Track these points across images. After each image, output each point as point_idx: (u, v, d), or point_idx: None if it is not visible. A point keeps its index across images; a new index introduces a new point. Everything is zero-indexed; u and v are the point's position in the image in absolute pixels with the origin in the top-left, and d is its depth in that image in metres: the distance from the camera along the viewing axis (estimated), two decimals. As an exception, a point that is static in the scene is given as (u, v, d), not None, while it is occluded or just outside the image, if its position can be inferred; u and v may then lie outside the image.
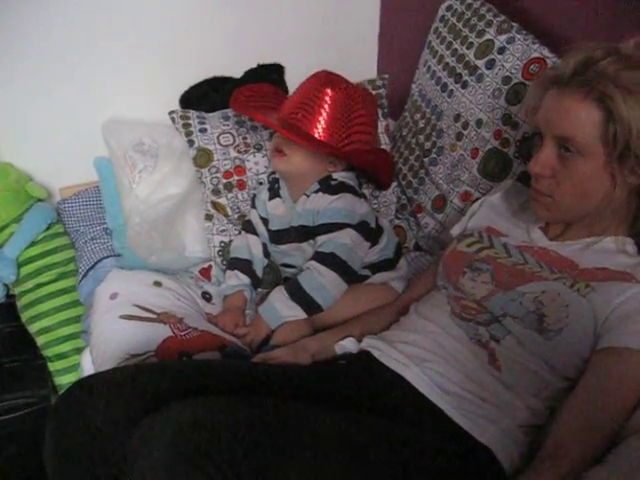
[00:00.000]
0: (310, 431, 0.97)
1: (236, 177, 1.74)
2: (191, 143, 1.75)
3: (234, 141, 1.77)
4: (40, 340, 1.79)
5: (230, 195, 1.73)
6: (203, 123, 1.79)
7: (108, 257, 1.79)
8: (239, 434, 0.89)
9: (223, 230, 1.71)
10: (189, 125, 1.78)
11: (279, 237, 1.63)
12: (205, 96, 2.01)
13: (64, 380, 1.77)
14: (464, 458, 1.07)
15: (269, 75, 2.12)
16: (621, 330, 1.07)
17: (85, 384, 1.09)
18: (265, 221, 1.67)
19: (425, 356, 1.18)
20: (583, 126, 1.12)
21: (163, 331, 1.37)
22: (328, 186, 1.55)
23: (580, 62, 1.12)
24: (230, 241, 1.70)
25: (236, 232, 1.71)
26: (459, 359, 1.16)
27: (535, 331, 1.12)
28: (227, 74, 2.10)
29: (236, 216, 1.73)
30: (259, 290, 1.70)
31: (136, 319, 1.39)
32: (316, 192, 1.55)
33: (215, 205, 1.73)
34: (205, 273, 1.74)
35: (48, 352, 1.78)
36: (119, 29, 1.94)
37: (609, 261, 1.17)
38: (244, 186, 1.75)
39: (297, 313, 1.47)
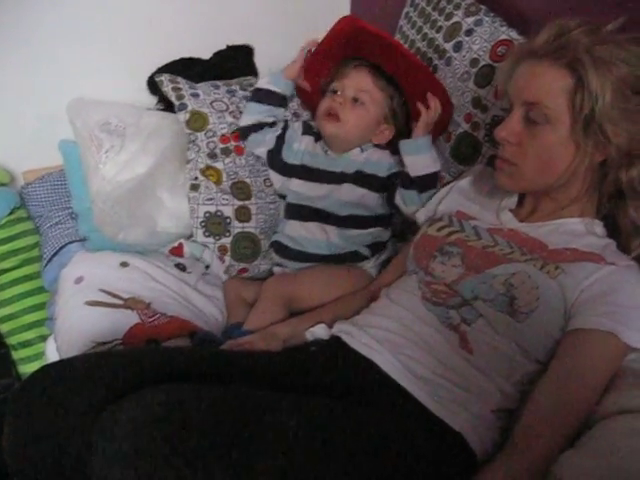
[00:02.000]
0: (281, 421, 0.95)
1: (234, 143, 1.70)
2: (183, 106, 1.69)
3: (228, 107, 1.74)
4: (3, 328, 1.75)
5: (227, 160, 1.69)
6: (194, 88, 1.75)
7: (73, 242, 1.74)
8: (208, 425, 0.88)
9: (210, 199, 1.66)
10: (179, 89, 1.73)
11: (312, 173, 1.63)
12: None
13: (29, 369, 1.73)
14: (436, 444, 1.07)
15: (238, 57, 2.10)
16: (590, 311, 1.08)
17: (47, 372, 1.06)
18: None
19: (396, 341, 1.17)
20: (551, 92, 1.13)
21: (130, 318, 1.35)
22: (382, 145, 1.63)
23: (554, 32, 1.14)
24: (216, 211, 1.66)
25: (224, 201, 1.67)
26: (430, 343, 1.16)
27: (506, 314, 1.12)
28: (195, 55, 2.07)
29: (231, 182, 1.68)
30: (230, 263, 1.68)
31: (102, 305, 1.36)
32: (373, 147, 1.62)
33: (206, 171, 1.68)
34: (176, 251, 1.69)
35: (12, 340, 1.74)
36: (85, 8, 1.90)
37: (578, 242, 1.18)
38: (242, 152, 1.70)
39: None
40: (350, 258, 1.62)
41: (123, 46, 1.98)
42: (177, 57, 2.04)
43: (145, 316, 1.36)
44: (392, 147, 1.64)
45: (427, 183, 1.52)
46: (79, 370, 1.05)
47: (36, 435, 1.00)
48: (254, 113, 1.64)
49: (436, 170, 1.53)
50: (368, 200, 1.62)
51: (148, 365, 1.08)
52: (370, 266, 1.63)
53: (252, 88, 1.71)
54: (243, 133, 1.67)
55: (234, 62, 2.07)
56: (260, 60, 2.10)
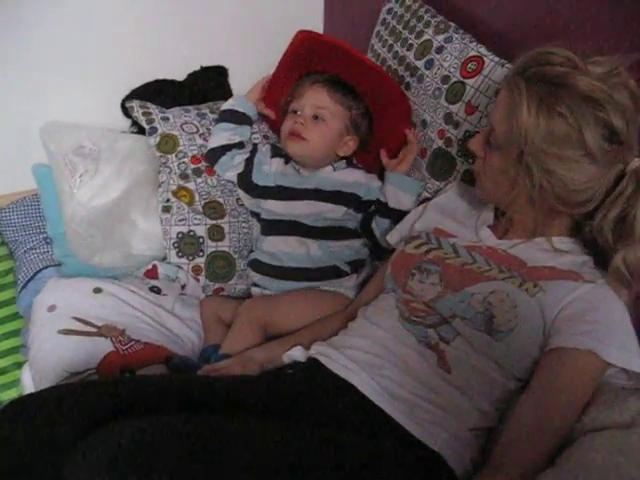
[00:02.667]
0: (255, 450, 0.94)
1: (205, 163, 1.72)
2: (153, 130, 1.72)
3: (198, 130, 1.76)
4: (-22, 355, 1.73)
5: (199, 180, 1.70)
6: (164, 112, 1.78)
7: (48, 267, 1.74)
8: (178, 460, 0.87)
9: (182, 219, 1.66)
10: (150, 113, 1.76)
11: (287, 193, 1.63)
12: (148, 99, 1.96)
13: (5, 396, 1.70)
14: (415, 464, 1.06)
15: (212, 78, 2.10)
16: (569, 330, 1.08)
17: (19, 405, 1.04)
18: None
19: (373, 361, 1.17)
20: (500, 120, 1.16)
21: (104, 346, 1.34)
22: (355, 165, 1.68)
23: (526, 60, 1.14)
24: (189, 231, 1.66)
25: (196, 221, 1.67)
26: (408, 363, 1.15)
27: (484, 332, 1.11)
28: (170, 77, 2.07)
29: (203, 202, 1.68)
30: (205, 283, 1.68)
31: (75, 334, 1.35)
32: (346, 167, 1.65)
33: (178, 192, 1.68)
34: (150, 274, 1.69)
35: (-14, 367, 1.73)
36: (57, 30, 1.89)
37: (556, 260, 1.18)
38: (213, 172, 1.72)
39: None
40: (330, 273, 1.61)
41: (97, 68, 1.97)
42: (151, 79, 2.03)
43: (119, 344, 1.35)
44: (367, 167, 1.68)
45: (402, 216, 1.53)
46: (50, 405, 1.02)
47: (6, 473, 0.99)
48: (221, 132, 1.67)
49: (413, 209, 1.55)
50: (347, 216, 1.63)
51: (121, 397, 1.06)
52: (351, 285, 1.62)
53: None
54: (212, 156, 1.68)
55: (208, 83, 2.07)
56: (234, 81, 2.10)
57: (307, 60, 1.61)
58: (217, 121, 1.71)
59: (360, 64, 1.57)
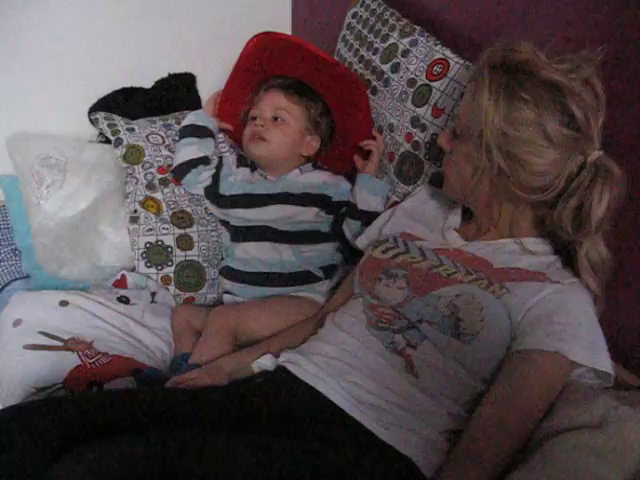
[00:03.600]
0: (222, 467, 0.93)
1: (172, 174, 1.71)
2: (119, 141, 1.71)
3: (164, 141, 1.75)
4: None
5: (166, 190, 1.69)
6: (129, 123, 1.77)
7: (17, 279, 1.71)
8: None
9: (150, 229, 1.65)
10: (115, 125, 1.76)
11: (256, 200, 1.62)
12: (115, 108, 1.95)
13: (-25, 413, 1.69)
14: (386, 470, 1.05)
15: (181, 85, 2.08)
16: (535, 332, 1.08)
17: None
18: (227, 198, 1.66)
19: (342, 368, 1.16)
20: (464, 106, 1.19)
21: (71, 360, 1.32)
22: (321, 167, 1.69)
23: (491, 49, 1.16)
24: (157, 241, 1.65)
25: (164, 231, 1.66)
26: (376, 369, 1.15)
27: (451, 335, 1.11)
28: (137, 84, 2.05)
29: (170, 212, 1.67)
30: (175, 293, 1.66)
31: (41, 348, 1.32)
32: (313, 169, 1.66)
33: (145, 203, 1.67)
34: (119, 284, 1.66)
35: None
36: (22, 40, 1.87)
37: (523, 261, 1.19)
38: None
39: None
40: (303, 279, 1.60)
41: (63, 77, 1.95)
42: (118, 87, 2.02)
43: (86, 357, 1.33)
44: (333, 169, 1.69)
45: (372, 219, 1.53)
46: (14, 425, 0.99)
47: None
48: (185, 147, 1.68)
49: (382, 211, 1.55)
50: (318, 218, 1.63)
51: (86, 414, 1.04)
52: (324, 290, 1.62)
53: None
54: (179, 173, 1.68)
55: (176, 90, 2.06)
56: (203, 88, 2.09)
57: (263, 64, 1.62)
58: (179, 138, 1.71)
59: (317, 61, 1.57)
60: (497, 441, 1.04)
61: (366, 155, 1.64)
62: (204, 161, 1.67)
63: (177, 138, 1.75)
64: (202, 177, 1.66)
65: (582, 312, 1.11)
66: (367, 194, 1.57)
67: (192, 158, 1.66)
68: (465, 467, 1.03)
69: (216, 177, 1.67)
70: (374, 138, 1.62)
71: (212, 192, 1.67)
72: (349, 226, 1.59)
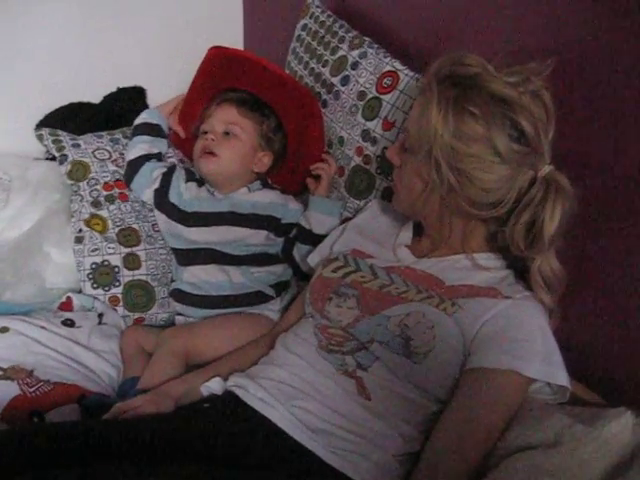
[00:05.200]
0: None
1: (117, 190, 1.67)
2: (64, 158, 1.67)
3: (110, 156, 1.72)
4: None
5: (112, 207, 1.65)
6: (75, 139, 1.73)
7: (-39, 303, 1.66)
8: None
9: (95, 250, 1.60)
10: (60, 141, 1.71)
11: (204, 219, 1.58)
12: (62, 124, 1.91)
13: None
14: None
15: (130, 98, 2.06)
16: (489, 350, 1.06)
17: None
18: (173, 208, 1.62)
19: (291, 393, 1.13)
20: (413, 120, 1.18)
21: (10, 389, 1.26)
22: (271, 185, 1.65)
23: (438, 62, 1.15)
24: (103, 261, 1.60)
25: (110, 250, 1.61)
26: (326, 394, 1.12)
27: (403, 355, 1.09)
28: (85, 99, 2.02)
29: (117, 230, 1.63)
30: (124, 314, 1.62)
31: (-21, 378, 1.28)
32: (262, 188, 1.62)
33: (90, 221, 1.62)
34: (65, 306, 1.61)
35: None
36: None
37: (474, 278, 1.17)
38: (127, 198, 1.67)
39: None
40: (255, 299, 1.57)
41: (8, 92, 1.92)
42: (66, 102, 1.99)
43: (26, 386, 1.28)
44: (284, 187, 1.66)
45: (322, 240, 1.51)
46: None
47: None
48: (138, 144, 1.65)
49: None
50: (268, 241, 1.59)
51: (23, 448, 1.00)
52: (277, 308, 1.59)
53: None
54: (131, 169, 1.64)
55: (126, 104, 2.03)
56: (153, 102, 2.06)
57: (218, 79, 1.60)
58: (132, 136, 1.68)
59: (271, 76, 1.56)
60: (455, 464, 1.02)
61: (317, 177, 1.62)
62: (157, 157, 1.65)
63: (124, 152, 1.71)
64: (154, 175, 1.62)
65: (536, 326, 1.09)
66: (321, 216, 1.55)
67: (144, 154, 1.63)
68: None
69: (167, 179, 1.62)
70: (323, 160, 1.60)
71: (161, 197, 1.62)
72: (299, 251, 1.57)
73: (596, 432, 0.96)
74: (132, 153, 1.64)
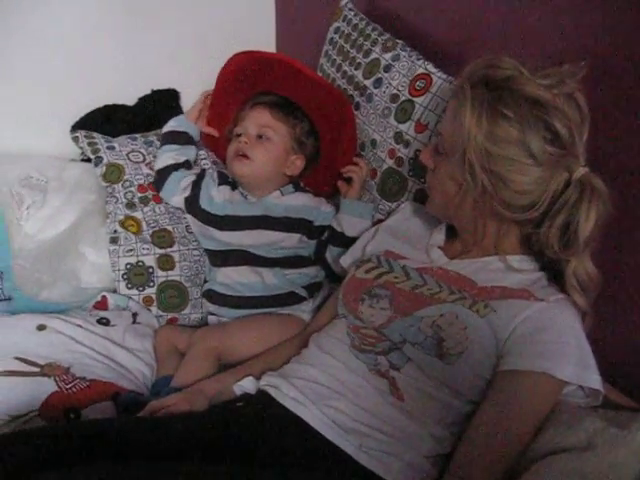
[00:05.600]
0: None
1: (151, 192, 1.69)
2: (99, 160, 1.69)
3: (144, 159, 1.73)
4: None
5: (146, 209, 1.67)
6: (110, 142, 1.74)
7: (-1, 301, 1.69)
8: None
9: (130, 250, 1.62)
10: (95, 143, 1.73)
11: (237, 222, 1.59)
12: (98, 126, 1.93)
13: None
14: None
15: (164, 101, 2.08)
16: (522, 352, 1.06)
17: None
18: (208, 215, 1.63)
19: (323, 392, 1.14)
20: (447, 123, 1.18)
21: (47, 386, 1.29)
22: (303, 189, 1.66)
23: (472, 65, 1.15)
24: (137, 261, 1.62)
25: (145, 251, 1.63)
26: (359, 394, 1.13)
27: (435, 356, 1.09)
28: (120, 102, 2.04)
29: (151, 231, 1.65)
30: (158, 314, 1.64)
31: (17, 375, 1.29)
32: (294, 191, 1.63)
33: (125, 222, 1.64)
34: (100, 305, 1.64)
35: None
36: (2, 59, 1.86)
37: (508, 279, 1.16)
38: (160, 200, 1.69)
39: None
40: (288, 300, 1.58)
41: (45, 95, 1.95)
42: (101, 104, 2.01)
43: (63, 382, 1.30)
44: (316, 189, 1.68)
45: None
46: None
47: None
48: (166, 154, 1.65)
49: None
50: (300, 244, 1.60)
51: (60, 446, 1.01)
52: (309, 309, 1.60)
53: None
54: (159, 179, 1.66)
55: (160, 106, 2.05)
56: (187, 103, 2.07)
57: (252, 82, 1.61)
58: (160, 145, 1.69)
59: (305, 79, 1.56)
60: (487, 465, 1.02)
61: (349, 180, 1.62)
62: (185, 165, 1.65)
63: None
64: (183, 184, 1.63)
65: (569, 329, 1.09)
66: (353, 218, 1.56)
67: (172, 163, 1.64)
68: None
69: (196, 187, 1.63)
70: (354, 163, 1.61)
71: (192, 204, 1.64)
72: (332, 253, 1.58)
73: (630, 436, 0.96)
74: (160, 162, 1.66)
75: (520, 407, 1.05)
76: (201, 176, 1.66)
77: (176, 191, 1.64)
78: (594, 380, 1.06)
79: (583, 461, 0.95)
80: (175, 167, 1.64)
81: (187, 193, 1.64)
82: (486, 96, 1.10)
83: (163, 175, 1.64)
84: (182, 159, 1.65)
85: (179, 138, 1.67)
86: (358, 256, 1.42)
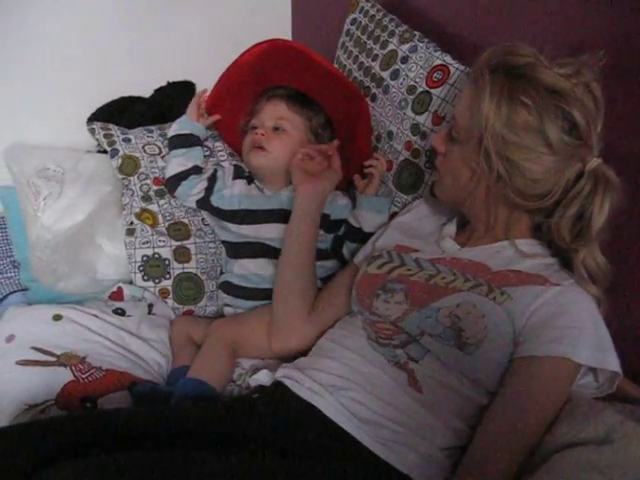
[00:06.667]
0: None
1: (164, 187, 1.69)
2: (115, 152, 1.68)
3: (160, 151, 1.72)
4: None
5: (162, 202, 1.67)
6: (126, 134, 1.74)
7: (15, 292, 1.71)
8: None
9: (146, 242, 1.62)
10: (111, 135, 1.72)
11: (253, 216, 1.59)
12: (113, 117, 1.94)
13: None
14: (385, 488, 1.03)
15: (180, 93, 2.07)
16: (540, 338, 1.06)
17: None
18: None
19: (340, 384, 1.13)
20: (462, 109, 1.17)
21: (63, 375, 1.30)
22: None
23: (490, 51, 1.15)
24: (154, 253, 1.62)
25: (161, 243, 1.63)
26: (377, 385, 1.12)
27: (455, 347, 1.09)
28: (136, 94, 2.05)
29: (167, 224, 1.65)
30: (174, 306, 1.64)
31: (34, 364, 1.30)
32: None
33: (141, 215, 1.65)
34: (116, 296, 1.65)
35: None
36: (19, 51, 1.88)
37: (522, 264, 1.16)
38: None
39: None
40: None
41: (61, 87, 1.96)
42: (117, 96, 2.01)
43: (79, 372, 1.31)
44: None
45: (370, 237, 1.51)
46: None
47: None
48: (173, 160, 1.63)
49: None
50: (319, 237, 1.58)
51: (77, 436, 1.02)
52: None
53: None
54: (169, 186, 1.65)
55: (176, 99, 2.04)
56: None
57: (267, 75, 1.60)
58: (168, 150, 1.67)
59: (321, 72, 1.56)
60: (506, 450, 1.02)
61: (366, 175, 1.61)
62: (195, 171, 1.63)
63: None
64: (195, 190, 1.61)
65: (585, 313, 1.08)
66: (372, 214, 1.55)
67: (180, 171, 1.62)
68: (473, 475, 1.01)
69: (209, 190, 1.62)
70: (375, 158, 1.59)
71: (204, 204, 1.63)
72: (348, 248, 1.58)
73: (648, 429, 0.95)
74: (169, 170, 1.63)
75: (539, 392, 1.05)
76: (212, 179, 1.63)
77: (187, 198, 1.63)
78: (613, 363, 1.06)
79: (600, 455, 0.95)
80: (184, 175, 1.61)
81: (199, 197, 1.62)
82: (505, 83, 1.09)
83: (173, 184, 1.63)
84: (190, 165, 1.62)
85: (184, 141, 1.65)
86: (369, 252, 1.42)
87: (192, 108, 1.66)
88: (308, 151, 1.49)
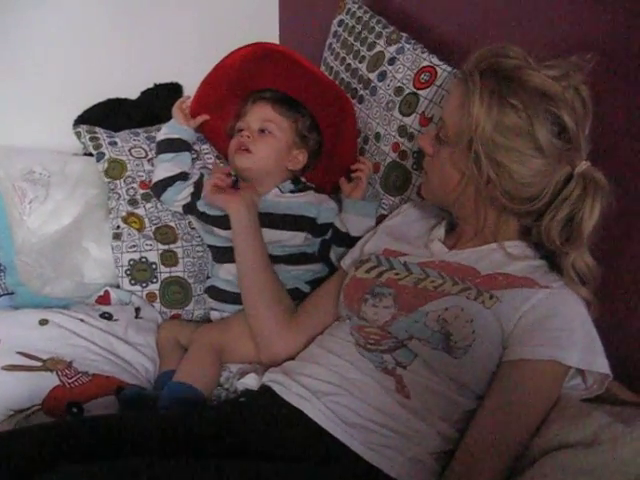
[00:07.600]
0: None
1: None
2: (101, 156, 1.68)
3: (147, 154, 1.72)
4: None
5: (149, 205, 1.66)
6: (112, 137, 1.74)
7: (1, 296, 1.68)
8: None
9: (133, 246, 1.62)
10: (97, 139, 1.72)
11: None
12: (100, 120, 1.93)
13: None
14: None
15: (167, 95, 2.07)
16: (529, 341, 1.06)
17: None
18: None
19: (327, 389, 1.13)
20: (451, 110, 1.16)
21: (49, 380, 1.29)
22: (304, 185, 1.64)
23: (480, 53, 1.14)
24: (141, 257, 1.61)
25: (148, 247, 1.62)
26: (365, 390, 1.12)
27: (443, 351, 1.08)
28: (122, 96, 2.04)
29: (154, 228, 1.64)
30: (161, 310, 1.64)
31: (19, 369, 1.29)
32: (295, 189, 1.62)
33: (128, 219, 1.64)
34: (103, 300, 1.63)
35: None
36: (3, 53, 1.86)
37: (510, 266, 1.16)
38: None
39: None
40: (291, 296, 1.55)
41: (47, 89, 1.95)
42: (104, 98, 2.00)
43: (65, 377, 1.30)
44: (317, 184, 1.66)
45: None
46: None
47: None
48: (161, 165, 1.63)
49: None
50: (306, 242, 1.59)
51: (62, 443, 1.01)
52: None
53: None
54: (155, 191, 1.64)
55: (162, 100, 2.03)
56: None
57: (253, 78, 1.59)
58: (156, 154, 1.67)
59: (307, 75, 1.56)
60: (494, 453, 1.02)
61: (352, 178, 1.60)
62: (181, 177, 1.62)
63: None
64: (181, 195, 1.61)
65: (575, 315, 1.09)
66: (359, 218, 1.55)
67: (167, 176, 1.61)
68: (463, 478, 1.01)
69: (195, 195, 1.62)
70: (362, 162, 1.59)
71: (190, 209, 1.63)
72: (336, 253, 1.57)
73: (636, 432, 0.95)
74: (156, 175, 1.63)
75: (528, 396, 1.05)
76: (198, 184, 1.63)
77: (174, 203, 1.63)
78: (602, 364, 1.06)
79: (588, 457, 0.94)
80: (170, 181, 1.61)
81: (185, 202, 1.62)
82: (496, 86, 1.09)
83: (159, 189, 1.63)
84: (177, 171, 1.61)
85: (172, 146, 1.64)
86: (357, 256, 1.41)
87: (176, 114, 1.65)
88: (216, 181, 1.50)
